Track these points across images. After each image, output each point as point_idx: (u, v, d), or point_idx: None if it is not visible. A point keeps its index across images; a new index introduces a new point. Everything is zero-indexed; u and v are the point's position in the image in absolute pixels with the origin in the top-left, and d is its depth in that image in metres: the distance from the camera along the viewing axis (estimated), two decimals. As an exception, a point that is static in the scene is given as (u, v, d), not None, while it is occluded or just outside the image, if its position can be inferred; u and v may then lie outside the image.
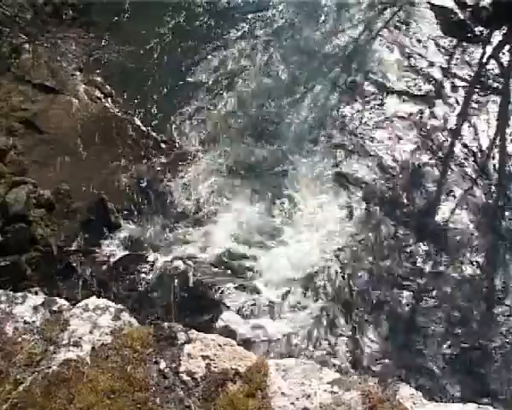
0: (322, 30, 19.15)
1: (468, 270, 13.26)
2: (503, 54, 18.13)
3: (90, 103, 16.54)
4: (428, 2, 19.83)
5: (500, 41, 18.43)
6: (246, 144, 16.00)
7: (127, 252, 13.82)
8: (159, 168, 15.42)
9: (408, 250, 13.64)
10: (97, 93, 16.88)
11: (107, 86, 17.14)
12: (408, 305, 12.84)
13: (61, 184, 14.41)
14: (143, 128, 16.25)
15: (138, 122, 16.39)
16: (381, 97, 16.89)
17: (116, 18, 19.03)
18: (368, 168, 15.21)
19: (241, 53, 18.58)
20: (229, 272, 13.45)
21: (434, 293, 12.94)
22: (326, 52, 18.42)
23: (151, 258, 13.63)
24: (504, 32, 18.62)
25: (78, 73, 17.12)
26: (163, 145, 15.91)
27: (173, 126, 16.44)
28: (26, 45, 16.89)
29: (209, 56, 18.34)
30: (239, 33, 19.16)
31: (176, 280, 13.16)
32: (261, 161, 15.58)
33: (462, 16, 19.26)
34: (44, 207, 13.96)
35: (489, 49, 18.21)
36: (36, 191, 13.97)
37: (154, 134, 16.13)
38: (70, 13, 18.33)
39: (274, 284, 13.10)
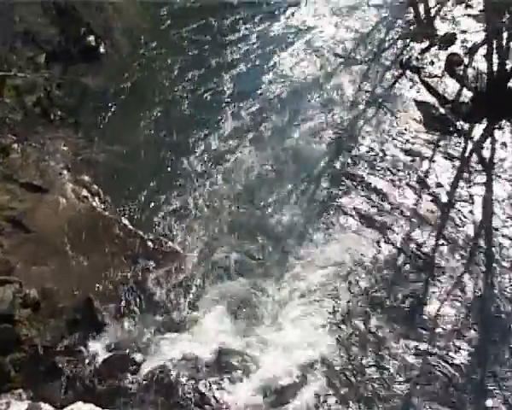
0: (307, 127, 19.98)
1: (456, 359, 13.31)
2: (485, 147, 18.86)
3: (77, 202, 16.95)
4: (410, 98, 20.86)
5: (481, 135, 19.24)
6: (233, 243, 16.30)
7: (114, 352, 13.78)
8: (146, 268, 15.57)
9: (396, 348, 13.67)
10: (85, 192, 17.31)
11: (95, 185, 17.62)
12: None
13: (47, 284, 14.54)
14: (130, 227, 16.58)
15: (125, 221, 16.74)
16: (366, 193, 17.41)
17: (103, 118, 19.93)
18: (354, 264, 15.47)
19: (226, 145, 19.46)
20: (216, 372, 13.38)
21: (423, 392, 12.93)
22: (310, 151, 19.12)
23: (138, 359, 13.60)
24: (485, 126, 19.47)
25: (65, 172, 17.62)
26: (150, 244, 16.16)
27: (160, 224, 16.79)
28: (15, 145, 17.45)
29: (194, 151, 19.13)
30: (223, 126, 20.18)
31: (163, 381, 13.10)
32: (249, 259, 15.84)
33: (443, 111, 20.21)
34: (30, 307, 14.06)
35: (470, 143, 18.98)
36: (22, 291, 14.10)
37: (140, 233, 16.41)
38: (59, 114, 19.09)
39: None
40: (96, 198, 17.27)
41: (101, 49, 22.54)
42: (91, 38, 22.26)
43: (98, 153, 18.07)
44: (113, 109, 20.42)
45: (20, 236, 15.52)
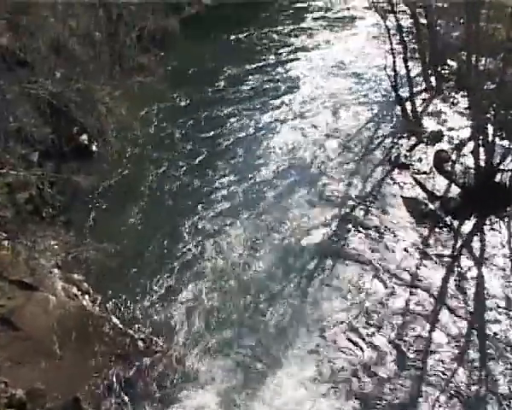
0: (296, 224, 20.45)
1: None
2: (475, 243, 19.32)
3: (67, 300, 17.12)
4: (401, 195, 21.46)
5: (471, 230, 19.75)
6: (226, 339, 16.41)
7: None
8: (136, 367, 15.58)
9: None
10: (75, 290, 17.53)
11: (85, 283, 17.86)
12: None
13: (34, 384, 14.50)
14: (120, 326, 16.68)
15: (115, 320, 16.86)
16: (356, 295, 17.63)
17: (94, 216, 20.38)
18: (347, 364, 15.58)
19: (215, 238, 19.89)
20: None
21: None
22: (299, 250, 19.47)
23: None
24: (474, 221, 20.02)
25: (56, 270, 17.87)
26: (140, 343, 16.23)
27: (151, 322, 16.91)
28: (6, 242, 17.72)
29: (184, 245, 19.53)
30: (214, 218, 20.76)
31: None
32: (243, 357, 15.91)
33: (432, 207, 20.79)
34: (16, 408, 13.96)
35: (460, 239, 19.46)
36: (7, 391, 14.06)
37: (131, 332, 16.52)
38: (50, 212, 19.55)
39: None
40: (87, 296, 17.47)
41: (94, 148, 23.33)
42: (84, 136, 23.08)
43: (89, 251, 18.31)
44: (104, 207, 20.97)
45: (9, 334, 15.59)
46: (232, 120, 26.81)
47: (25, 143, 18.81)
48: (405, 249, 19.11)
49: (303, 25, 37.63)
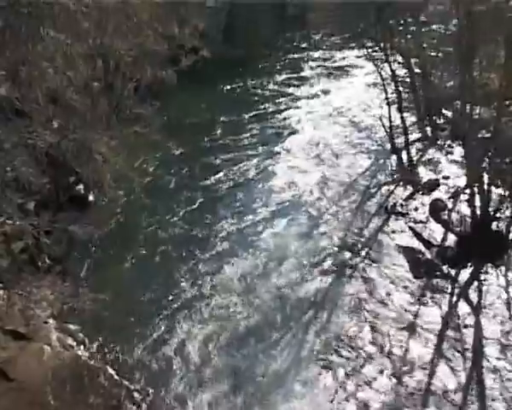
0: (296, 278, 20.46)
1: None
2: (472, 291, 19.39)
3: (61, 351, 17.07)
4: (396, 244, 21.61)
5: (468, 279, 19.83)
6: (222, 393, 16.34)
7: None
8: (130, 419, 15.56)
9: None
10: (70, 341, 17.49)
11: (80, 334, 17.82)
12: None
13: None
14: (116, 377, 16.61)
15: (111, 371, 16.79)
16: (351, 348, 17.53)
17: (90, 266, 20.48)
18: None
19: (212, 287, 19.95)
20: None
21: None
22: (300, 298, 19.49)
23: None
24: (471, 270, 20.12)
25: (51, 320, 17.86)
26: (136, 394, 16.16)
27: (147, 373, 16.85)
28: (0, 292, 17.77)
29: (180, 296, 19.49)
30: (211, 267, 20.83)
31: None
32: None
33: (429, 256, 20.93)
34: None
35: (457, 288, 19.52)
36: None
37: (126, 383, 16.43)
38: (46, 261, 19.62)
39: None
40: (82, 347, 17.43)
41: (90, 198, 23.54)
42: (80, 186, 23.31)
43: (85, 301, 18.37)
44: (100, 256, 21.05)
45: (2, 384, 15.52)
46: (227, 167, 27.20)
47: (21, 192, 18.95)
48: (402, 299, 19.12)
49: (300, 75, 38.43)
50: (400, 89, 27.89)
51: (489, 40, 21.87)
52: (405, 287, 19.65)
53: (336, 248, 21.74)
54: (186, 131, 30.63)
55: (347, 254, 21.41)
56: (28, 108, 17.28)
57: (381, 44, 27.08)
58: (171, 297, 19.45)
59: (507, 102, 21.73)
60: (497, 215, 21.12)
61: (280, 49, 44.59)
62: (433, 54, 30.85)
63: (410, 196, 24.38)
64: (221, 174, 26.75)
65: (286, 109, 33.74)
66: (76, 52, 17.14)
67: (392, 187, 25.33)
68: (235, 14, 46.38)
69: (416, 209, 23.47)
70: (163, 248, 21.72)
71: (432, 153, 27.69)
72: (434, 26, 34.37)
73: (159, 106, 29.58)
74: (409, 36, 29.54)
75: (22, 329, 17.16)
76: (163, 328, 18.26)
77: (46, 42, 15.46)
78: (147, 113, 25.59)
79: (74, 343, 17.51)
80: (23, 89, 16.73)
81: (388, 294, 19.35)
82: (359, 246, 21.79)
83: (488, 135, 22.11)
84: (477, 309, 18.65)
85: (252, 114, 32.67)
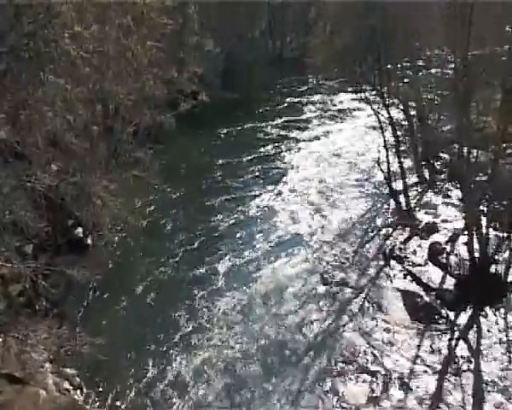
0: (294, 320, 20.47)
1: None
2: (471, 335, 19.38)
3: (58, 396, 17.01)
4: (394, 288, 21.68)
5: (466, 323, 19.84)
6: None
7: None
8: None
9: None
10: (66, 385, 17.44)
11: (77, 378, 17.78)
12: None
13: None
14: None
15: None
16: (350, 397, 17.52)
17: (88, 310, 20.51)
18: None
19: (210, 332, 19.89)
20: None
21: None
22: (298, 341, 19.50)
23: None
24: (470, 313, 20.15)
25: (47, 364, 17.81)
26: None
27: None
28: (-3, 336, 17.78)
29: (177, 339, 19.49)
30: (208, 311, 20.81)
31: None
32: None
33: (427, 299, 20.97)
34: None
35: (457, 331, 19.52)
36: None
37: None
38: (43, 305, 19.65)
39: None
40: (78, 391, 17.38)
41: (89, 241, 23.67)
42: (79, 230, 23.47)
43: (81, 345, 18.30)
44: (97, 300, 21.11)
45: (-3, 430, 15.47)
46: (225, 208, 27.65)
47: (19, 235, 19.06)
48: (401, 343, 19.10)
49: (298, 118, 38.93)
50: (398, 132, 28.22)
51: (485, 84, 22.18)
52: (404, 331, 19.64)
53: (335, 291, 21.78)
54: (185, 174, 30.97)
55: (346, 298, 21.46)
56: (28, 151, 17.45)
57: (379, 88, 27.47)
58: (167, 339, 19.45)
59: (504, 145, 21.98)
60: (496, 258, 21.20)
61: (278, 93, 45.31)
62: (430, 97, 31.29)
63: (409, 240, 24.53)
64: (219, 215, 27.07)
65: (284, 152, 34.19)
66: (76, 96, 17.38)
67: (390, 230, 25.51)
68: (233, 59, 47.11)
69: (415, 253, 23.58)
70: (160, 290, 21.80)
71: (430, 196, 27.95)
72: (432, 70, 34.98)
73: (158, 149, 29.87)
74: (406, 80, 30.02)
75: (18, 373, 17.10)
76: (159, 371, 18.22)
77: (46, 86, 15.70)
78: (146, 156, 25.82)
79: (71, 388, 17.46)
80: (23, 132, 16.93)
81: (387, 339, 19.32)
82: (358, 289, 21.82)
83: (486, 178, 22.32)
84: (477, 353, 18.62)
85: (250, 157, 33.07)
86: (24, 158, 18.47)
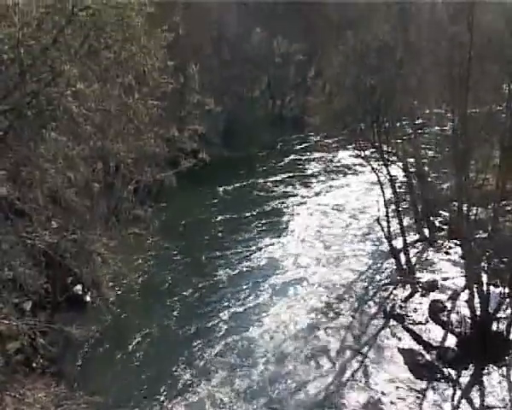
0: (294, 380, 20.38)
1: None
2: (473, 393, 19.25)
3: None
4: (395, 346, 21.57)
5: (468, 381, 19.70)
6: None
7: None
8: None
9: None
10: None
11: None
12: None
13: None
14: None
15: None
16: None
17: (86, 368, 20.39)
18: None
19: (208, 389, 19.77)
20: None
21: None
22: (299, 402, 19.38)
23: None
24: (472, 371, 20.02)
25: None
26: None
27: None
28: (-7, 392, 17.63)
29: (177, 392, 19.56)
30: (204, 370, 20.73)
31: None
32: None
33: (429, 358, 20.86)
34: None
35: (459, 390, 19.37)
36: None
37: None
38: (41, 362, 19.54)
39: None
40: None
41: (88, 298, 23.69)
42: (78, 287, 23.51)
43: (79, 404, 18.15)
44: (96, 359, 21.05)
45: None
46: (224, 264, 27.80)
47: (18, 292, 19.09)
48: (403, 402, 18.97)
49: (298, 174, 39.27)
50: (398, 190, 28.43)
51: (484, 142, 22.45)
52: (406, 390, 19.49)
53: (336, 350, 21.67)
54: (185, 231, 31.12)
55: (347, 356, 21.35)
56: (28, 207, 17.59)
57: (378, 146, 27.78)
58: (165, 396, 19.36)
59: (503, 203, 22.15)
60: (497, 315, 21.15)
61: (278, 151, 45.77)
62: (429, 155, 31.62)
63: (409, 298, 24.52)
64: (217, 270, 27.22)
65: (283, 209, 34.36)
66: (77, 154, 17.59)
67: (390, 288, 25.48)
68: (234, 118, 47.69)
69: (415, 311, 23.54)
70: (158, 346, 21.83)
71: (430, 254, 28.03)
72: (431, 129, 35.39)
73: (158, 207, 30.11)
74: (405, 138, 30.37)
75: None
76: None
77: (48, 143, 15.92)
78: (146, 214, 25.98)
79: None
80: (24, 189, 17.10)
81: (389, 399, 19.17)
82: (359, 349, 21.74)
83: (486, 235, 22.41)
84: (478, 412, 18.52)
85: (250, 213, 33.25)
86: (24, 215, 18.61)
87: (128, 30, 15.52)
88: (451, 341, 21.50)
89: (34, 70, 14.05)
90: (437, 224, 30.39)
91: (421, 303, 23.95)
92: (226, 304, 24.70)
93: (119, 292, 24.21)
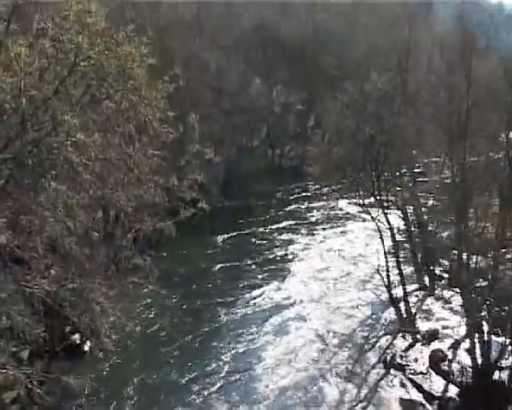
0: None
1: None
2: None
3: None
4: (396, 397, 21.40)
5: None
6: None
7: None
8: None
9: None
10: None
11: None
12: None
13: None
14: None
15: None
16: None
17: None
18: None
19: None
20: None
21: None
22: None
23: None
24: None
25: None
26: None
27: None
28: None
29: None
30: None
31: None
32: None
33: (430, 408, 20.68)
34: None
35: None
36: None
37: None
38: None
39: None
40: None
41: (86, 348, 23.56)
42: (76, 336, 23.42)
43: None
44: (92, 408, 20.80)
45: None
46: (223, 312, 27.65)
47: (16, 340, 19.01)
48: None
49: (298, 222, 39.39)
50: (397, 238, 28.52)
51: (483, 190, 22.60)
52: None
53: (336, 400, 21.52)
54: (184, 279, 31.13)
55: (347, 407, 21.16)
56: (27, 255, 17.66)
57: (378, 195, 27.97)
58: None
59: (503, 251, 22.19)
60: (499, 364, 21.04)
61: (278, 201, 46.00)
62: (428, 204, 31.77)
63: (410, 347, 24.43)
64: (217, 318, 27.16)
65: (283, 257, 34.40)
66: (77, 202, 17.71)
67: (390, 338, 25.37)
68: (233, 167, 48.08)
69: (416, 360, 23.42)
70: (155, 395, 21.68)
71: (430, 303, 27.99)
72: (430, 178, 35.62)
73: (158, 256, 30.15)
74: (404, 187, 30.57)
75: None
76: None
77: (48, 192, 16.05)
78: (145, 263, 26.00)
79: None
80: (23, 237, 17.18)
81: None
82: (360, 399, 21.58)
83: (486, 283, 22.40)
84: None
85: (248, 262, 33.30)
86: (23, 263, 18.67)
87: (129, 80, 15.81)
88: (453, 391, 21.35)
89: (35, 120, 14.27)
90: (437, 272, 30.40)
91: (421, 353, 23.85)
92: (224, 352, 24.62)
93: (118, 342, 24.10)
